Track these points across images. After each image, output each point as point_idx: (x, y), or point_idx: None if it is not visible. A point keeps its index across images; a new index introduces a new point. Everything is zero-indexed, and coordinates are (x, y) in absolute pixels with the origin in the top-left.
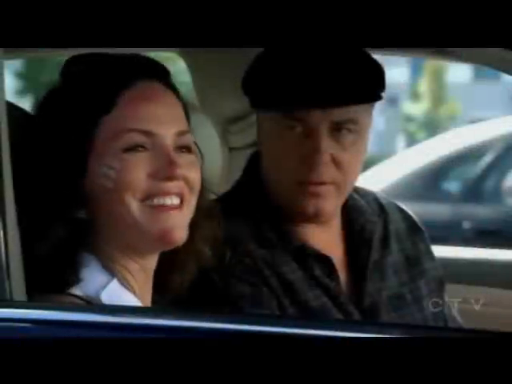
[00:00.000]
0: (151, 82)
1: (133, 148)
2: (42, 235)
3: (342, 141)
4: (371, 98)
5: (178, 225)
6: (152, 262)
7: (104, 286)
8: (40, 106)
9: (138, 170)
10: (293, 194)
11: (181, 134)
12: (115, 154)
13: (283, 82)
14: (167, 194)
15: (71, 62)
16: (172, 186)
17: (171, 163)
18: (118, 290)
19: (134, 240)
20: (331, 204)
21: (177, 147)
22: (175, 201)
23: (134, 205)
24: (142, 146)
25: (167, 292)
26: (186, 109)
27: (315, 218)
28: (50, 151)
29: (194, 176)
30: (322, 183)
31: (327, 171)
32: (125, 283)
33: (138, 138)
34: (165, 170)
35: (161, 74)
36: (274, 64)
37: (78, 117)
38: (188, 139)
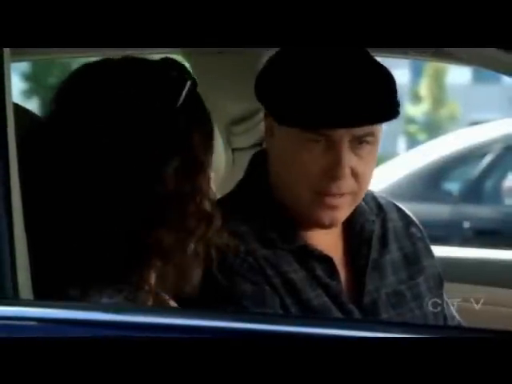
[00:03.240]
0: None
1: None
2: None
3: (360, 153)
4: (394, 116)
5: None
6: None
7: None
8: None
9: None
10: (309, 205)
11: None
12: None
13: (309, 101)
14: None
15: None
16: None
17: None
18: None
19: None
20: (346, 213)
21: None
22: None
23: None
24: None
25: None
26: None
27: (329, 227)
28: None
29: None
30: (341, 195)
31: (347, 183)
32: None
33: None
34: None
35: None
36: (298, 81)
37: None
38: None
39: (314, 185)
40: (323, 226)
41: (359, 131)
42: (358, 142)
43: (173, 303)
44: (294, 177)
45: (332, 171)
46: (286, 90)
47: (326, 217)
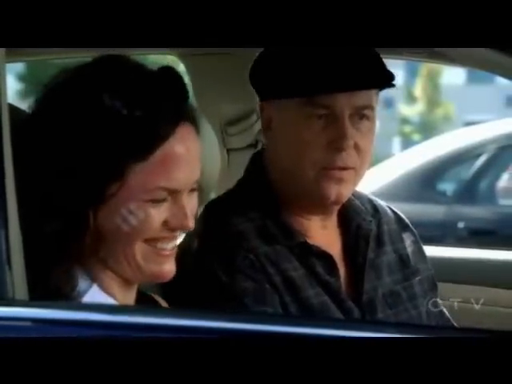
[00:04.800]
0: (188, 125)
1: (157, 201)
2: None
3: (361, 128)
4: (389, 83)
5: (171, 264)
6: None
7: (85, 292)
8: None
9: (157, 220)
10: (315, 181)
11: (195, 183)
12: (139, 203)
13: (308, 68)
14: (172, 240)
15: (106, 87)
16: (178, 234)
17: (186, 217)
18: (98, 296)
19: (128, 272)
20: (350, 189)
21: (188, 192)
22: (174, 244)
23: (140, 247)
24: (164, 199)
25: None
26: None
27: (334, 203)
28: (69, 174)
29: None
30: (345, 168)
31: (350, 156)
32: (105, 288)
33: (165, 194)
34: (181, 223)
35: (194, 115)
36: (296, 56)
37: (109, 155)
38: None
39: (318, 161)
40: (328, 203)
41: (358, 101)
42: (359, 116)
43: (163, 303)
44: (297, 157)
45: (336, 144)
46: (285, 64)
47: (332, 191)
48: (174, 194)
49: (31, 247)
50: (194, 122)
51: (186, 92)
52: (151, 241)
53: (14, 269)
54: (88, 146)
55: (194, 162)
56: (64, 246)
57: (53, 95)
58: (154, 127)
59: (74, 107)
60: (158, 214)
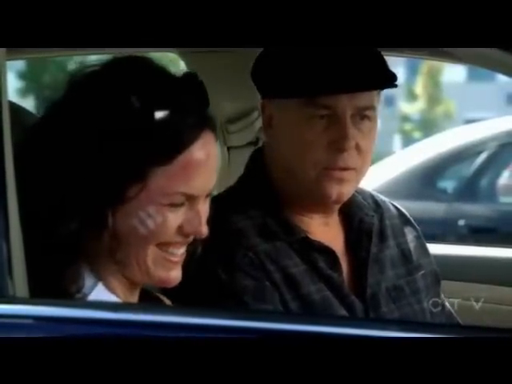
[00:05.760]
0: (209, 132)
1: (175, 205)
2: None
3: (362, 128)
4: (391, 83)
5: (178, 271)
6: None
7: (90, 291)
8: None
9: (173, 224)
10: (316, 181)
11: (211, 189)
12: (158, 207)
13: (310, 68)
14: (184, 245)
15: (135, 92)
16: (190, 240)
17: (200, 223)
18: (103, 295)
19: (136, 275)
20: (351, 189)
21: (204, 198)
22: (184, 250)
23: (152, 251)
24: (182, 204)
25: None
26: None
27: (335, 203)
28: (87, 177)
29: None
30: (346, 169)
31: (352, 157)
32: (110, 288)
33: (183, 199)
34: (195, 229)
35: (214, 122)
36: (298, 55)
37: (133, 158)
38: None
39: (319, 161)
40: (329, 203)
41: (360, 102)
42: (360, 117)
43: (167, 301)
44: (298, 157)
45: (338, 144)
46: (287, 64)
47: (333, 191)
48: (191, 199)
49: (41, 248)
50: (214, 129)
51: (208, 98)
52: (163, 245)
53: (15, 266)
54: (113, 146)
55: (213, 169)
56: (78, 246)
57: (77, 95)
58: (179, 132)
59: (101, 108)
60: (175, 219)
